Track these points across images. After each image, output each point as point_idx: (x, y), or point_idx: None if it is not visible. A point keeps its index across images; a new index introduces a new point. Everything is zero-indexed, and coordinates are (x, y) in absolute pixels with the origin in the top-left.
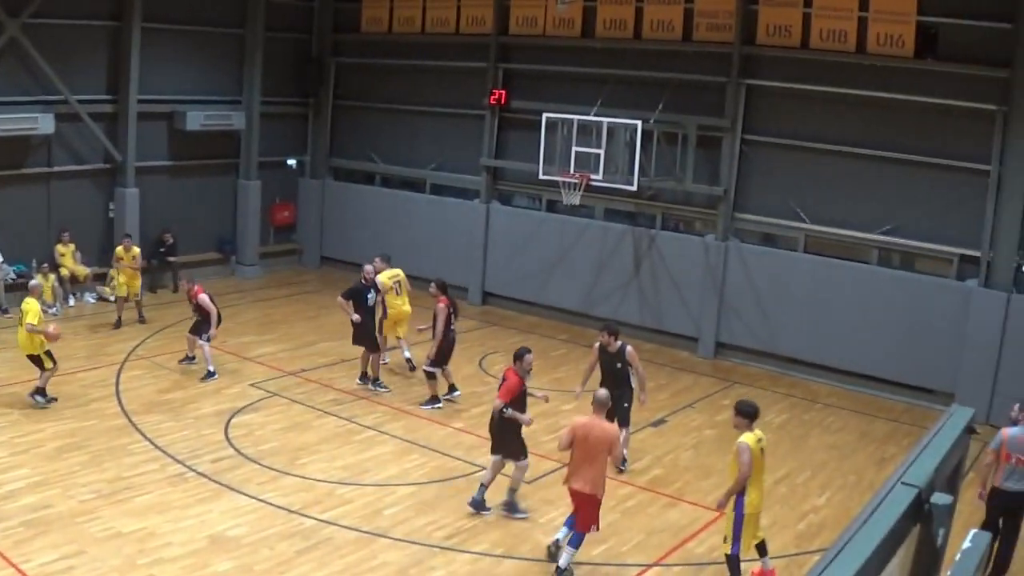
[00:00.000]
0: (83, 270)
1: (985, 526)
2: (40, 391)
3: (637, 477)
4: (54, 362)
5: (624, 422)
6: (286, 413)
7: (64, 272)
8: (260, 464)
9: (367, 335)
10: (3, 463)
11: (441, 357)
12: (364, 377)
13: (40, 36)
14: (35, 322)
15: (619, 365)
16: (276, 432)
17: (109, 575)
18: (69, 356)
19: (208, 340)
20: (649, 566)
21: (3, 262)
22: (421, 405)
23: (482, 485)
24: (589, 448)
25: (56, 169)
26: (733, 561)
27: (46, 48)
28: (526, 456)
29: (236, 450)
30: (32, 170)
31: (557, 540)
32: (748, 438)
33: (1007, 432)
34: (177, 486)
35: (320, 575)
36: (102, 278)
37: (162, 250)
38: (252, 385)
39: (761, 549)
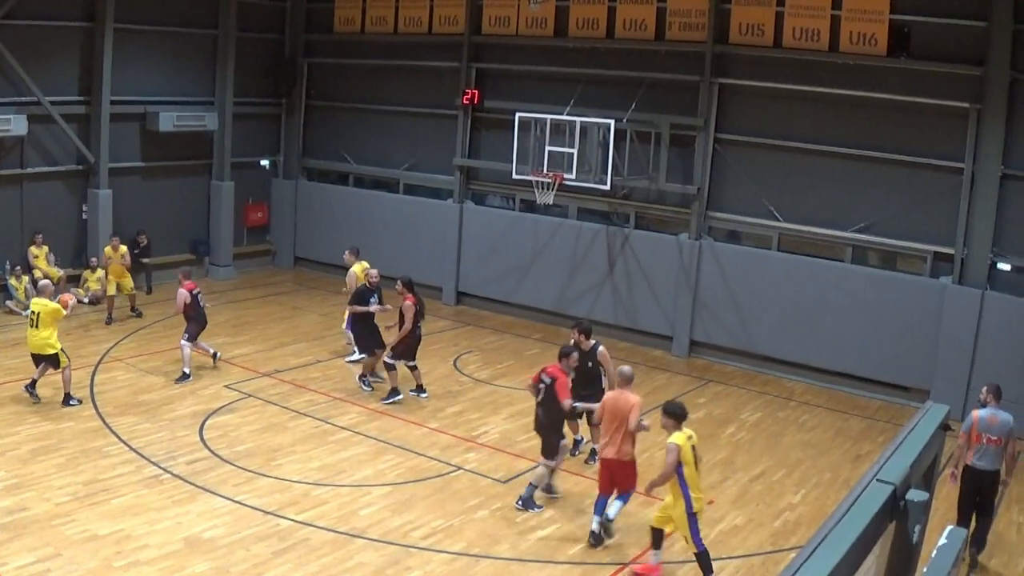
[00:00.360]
0: (56, 272)
1: (961, 505)
2: (68, 396)
3: None
4: (68, 358)
5: (595, 421)
6: (261, 414)
7: (37, 274)
8: (236, 465)
9: (371, 337)
10: None
11: (404, 351)
12: (364, 378)
13: (12, 37)
14: (59, 316)
15: (590, 364)
16: (251, 433)
17: None
18: None
19: (189, 340)
20: (624, 565)
21: None
22: (382, 400)
23: (532, 485)
24: (617, 418)
25: (29, 171)
26: (702, 557)
27: (18, 49)
28: (555, 456)
29: (211, 451)
30: (4, 172)
31: (600, 523)
32: (678, 438)
33: (977, 414)
34: (153, 488)
35: (298, 574)
36: (76, 280)
37: (136, 251)
38: (227, 386)
39: (657, 541)
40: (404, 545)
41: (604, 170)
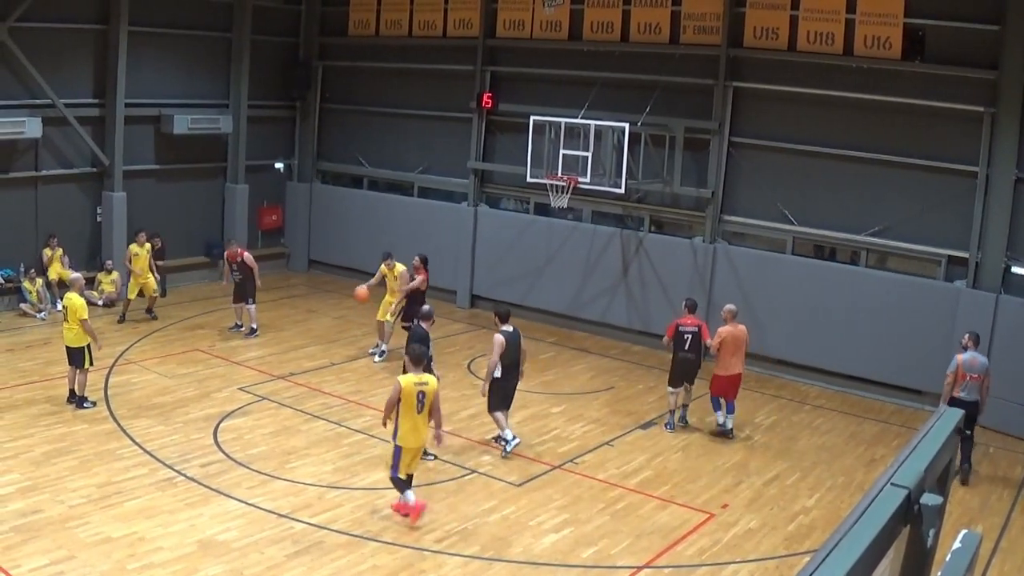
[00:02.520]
0: (70, 274)
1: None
2: (82, 399)
3: (627, 479)
4: (92, 362)
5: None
6: (275, 417)
7: (51, 276)
8: (250, 468)
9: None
10: None
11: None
12: None
13: (27, 40)
14: (86, 316)
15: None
16: (265, 436)
17: None
18: (57, 360)
19: (253, 302)
20: (639, 568)
21: None
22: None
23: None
24: (737, 344)
25: (43, 173)
26: (395, 482)
27: (33, 52)
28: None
29: (225, 454)
30: (19, 174)
31: (722, 422)
32: (404, 378)
33: (961, 357)
34: (166, 491)
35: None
36: (90, 282)
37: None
38: (241, 389)
39: (406, 483)
40: (418, 548)
41: (618, 173)
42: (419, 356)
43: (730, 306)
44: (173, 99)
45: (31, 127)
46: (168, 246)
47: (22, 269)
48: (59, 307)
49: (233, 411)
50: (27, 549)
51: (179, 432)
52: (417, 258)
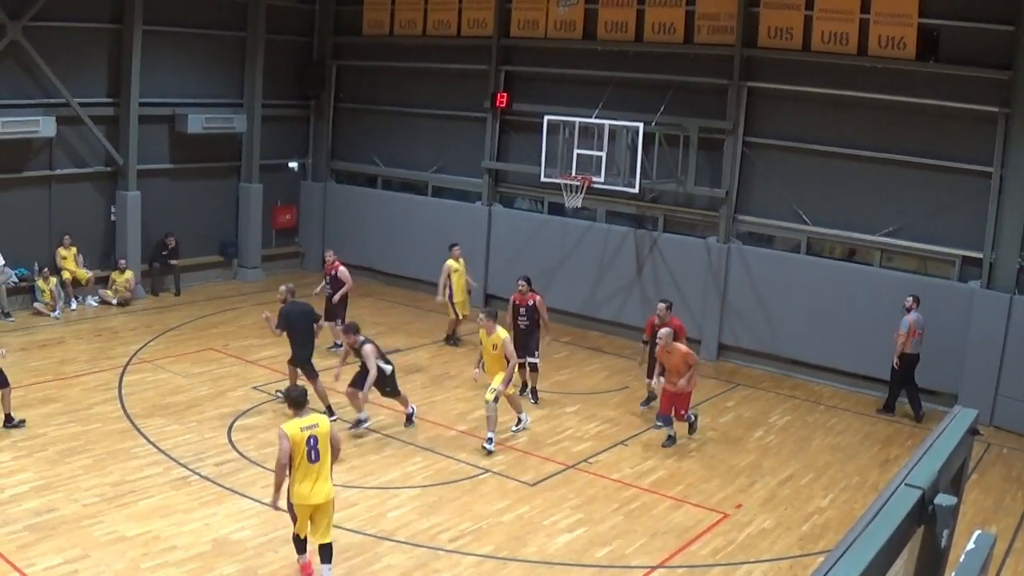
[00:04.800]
0: (85, 273)
1: (902, 381)
2: (8, 416)
3: (641, 479)
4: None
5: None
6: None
7: (66, 275)
8: (264, 467)
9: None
10: (6, 467)
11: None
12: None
13: (41, 39)
14: None
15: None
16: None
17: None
18: (71, 360)
19: (331, 319)
20: (653, 568)
21: (4, 265)
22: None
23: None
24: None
25: (57, 172)
26: (294, 539)
27: (47, 51)
28: None
29: (240, 453)
30: (33, 173)
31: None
32: (289, 426)
33: (912, 317)
34: (181, 489)
35: None
36: (104, 281)
37: (164, 253)
38: (255, 388)
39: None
40: (432, 547)
41: (632, 173)
42: (298, 400)
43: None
44: (187, 98)
45: (45, 126)
46: (182, 245)
47: (36, 268)
48: (73, 306)
49: (247, 410)
50: (41, 548)
51: (193, 431)
52: (523, 282)
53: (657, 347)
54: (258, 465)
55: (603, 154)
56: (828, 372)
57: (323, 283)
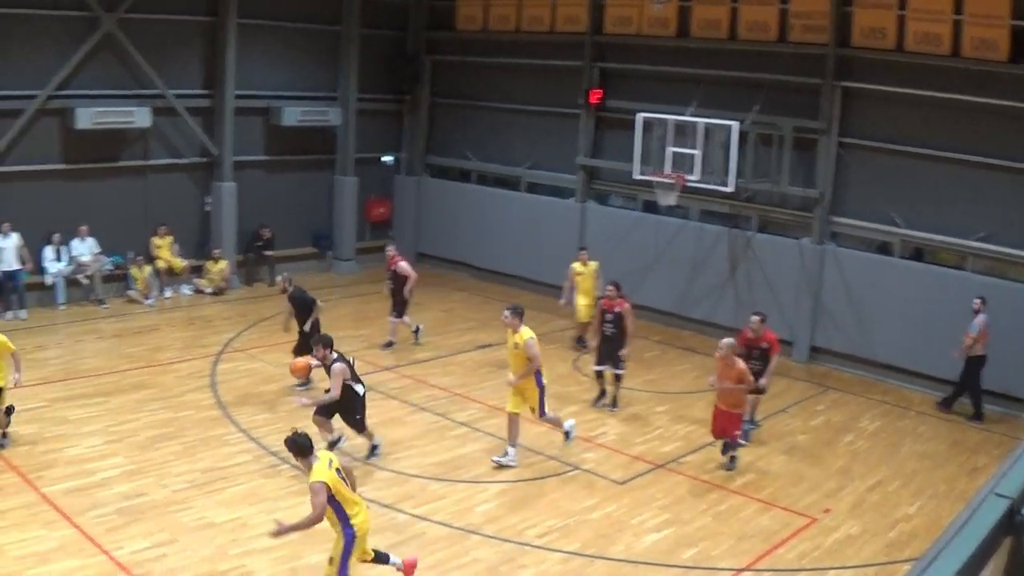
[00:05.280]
0: (180, 262)
1: (969, 382)
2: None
3: (730, 481)
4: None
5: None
6: (381, 408)
7: (160, 264)
8: (354, 458)
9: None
10: (98, 451)
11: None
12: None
13: (136, 31)
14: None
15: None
16: (371, 427)
17: (200, 564)
18: (164, 347)
19: (398, 316)
20: (739, 571)
21: (100, 253)
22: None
23: None
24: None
25: (153, 162)
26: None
27: (142, 43)
28: None
29: (331, 444)
30: (129, 163)
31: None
32: (320, 472)
33: (980, 319)
34: (271, 478)
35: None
36: (198, 271)
37: (259, 244)
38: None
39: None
40: (519, 543)
41: (727, 172)
42: (307, 446)
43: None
44: (282, 91)
45: (140, 117)
46: (276, 236)
47: (131, 256)
48: (167, 295)
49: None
50: (130, 531)
51: (284, 420)
52: (611, 287)
53: (717, 354)
54: (348, 456)
55: (697, 152)
56: (919, 378)
57: (386, 279)
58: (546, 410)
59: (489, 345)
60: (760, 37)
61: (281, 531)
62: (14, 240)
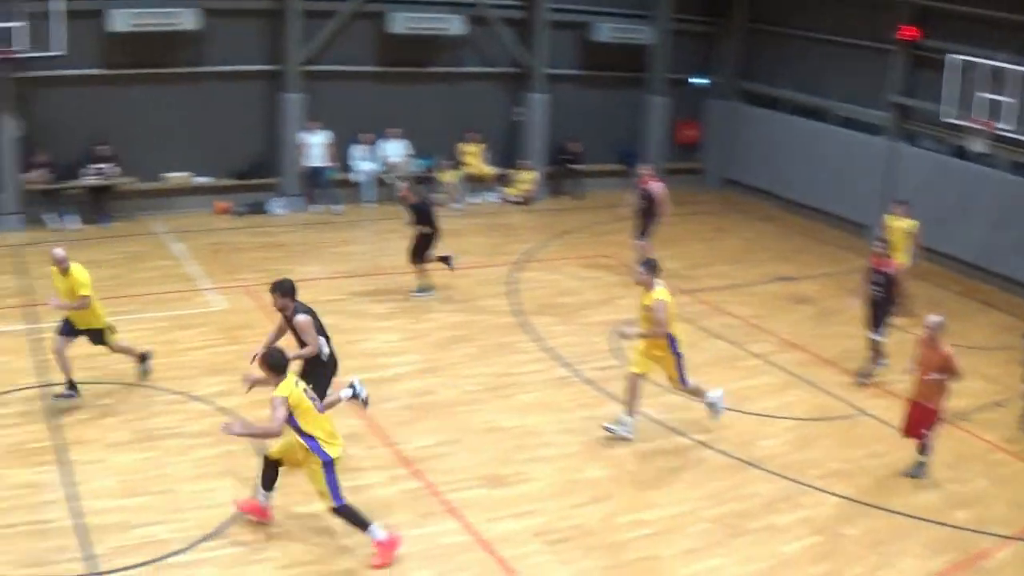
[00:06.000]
0: (488, 170)
1: None
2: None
3: (1014, 444)
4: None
5: None
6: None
7: (468, 170)
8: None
9: None
10: (394, 347)
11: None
12: None
13: None
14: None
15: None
16: None
17: (482, 466)
18: (466, 251)
19: (645, 237)
20: (1012, 538)
21: (409, 155)
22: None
23: None
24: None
25: (465, 70)
26: (345, 511)
27: None
28: None
29: (623, 361)
30: (440, 69)
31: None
32: (283, 388)
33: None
34: (561, 389)
35: (693, 494)
36: (504, 179)
37: (566, 157)
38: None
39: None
40: (799, 482)
41: None
42: (275, 365)
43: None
44: (596, 6)
45: (454, 24)
46: (586, 151)
47: (439, 160)
48: (475, 200)
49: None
50: (417, 427)
51: (579, 334)
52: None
53: (922, 335)
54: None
55: (1012, 101)
56: None
57: (636, 198)
58: (687, 378)
59: (790, 278)
60: None
61: (231, 430)
62: (322, 138)
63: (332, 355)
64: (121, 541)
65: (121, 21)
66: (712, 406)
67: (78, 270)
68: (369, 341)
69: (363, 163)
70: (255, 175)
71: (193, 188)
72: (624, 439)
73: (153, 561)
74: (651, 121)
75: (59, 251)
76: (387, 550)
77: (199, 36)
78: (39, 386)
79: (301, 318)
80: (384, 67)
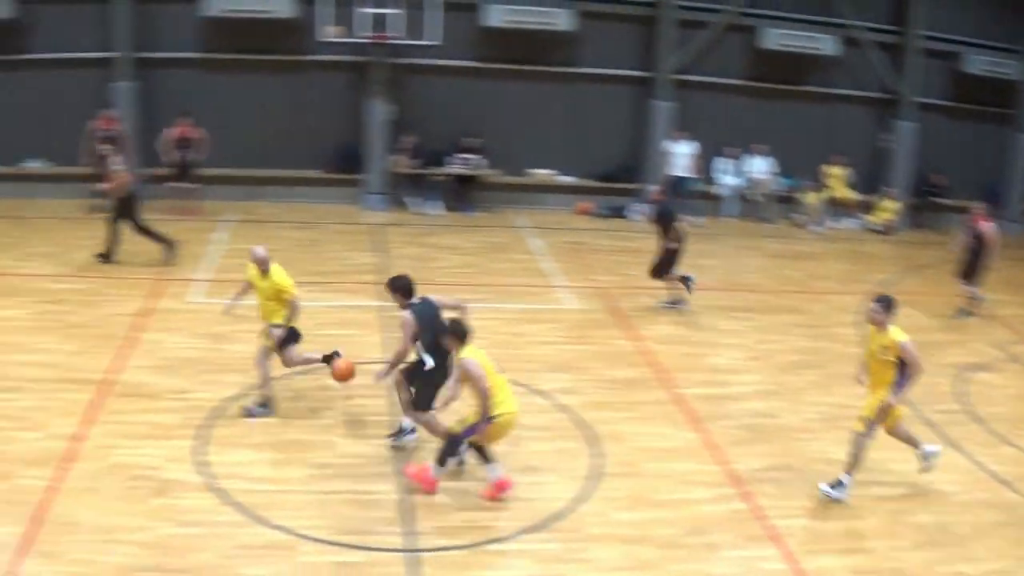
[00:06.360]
0: (851, 195)
1: None
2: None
3: None
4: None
5: None
6: (1022, 379)
7: (832, 194)
8: (983, 425)
9: None
10: (738, 365)
11: None
12: None
13: None
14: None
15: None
16: (1008, 397)
17: (811, 496)
18: (822, 276)
19: (969, 284)
20: None
21: (777, 173)
22: None
23: None
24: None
25: (835, 91)
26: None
27: None
28: None
29: (965, 406)
30: (812, 89)
31: None
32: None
33: None
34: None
35: (1017, 552)
36: (865, 206)
37: (929, 189)
38: (990, 344)
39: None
40: None
41: None
42: (459, 334)
43: None
44: (967, 36)
45: (827, 45)
46: (950, 186)
47: (803, 181)
48: (833, 225)
49: (982, 363)
50: (753, 448)
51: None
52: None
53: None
54: (980, 423)
55: None
56: None
57: (966, 236)
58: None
59: None
60: None
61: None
62: (688, 148)
63: (443, 368)
64: (443, 522)
65: (496, 16)
66: (924, 457)
67: (278, 272)
68: (715, 356)
69: (727, 177)
70: (619, 179)
71: (556, 186)
72: (838, 500)
73: (471, 546)
74: (1018, 160)
75: (260, 250)
76: (499, 490)
77: (572, 37)
78: (384, 362)
79: (403, 315)
80: (754, 82)
